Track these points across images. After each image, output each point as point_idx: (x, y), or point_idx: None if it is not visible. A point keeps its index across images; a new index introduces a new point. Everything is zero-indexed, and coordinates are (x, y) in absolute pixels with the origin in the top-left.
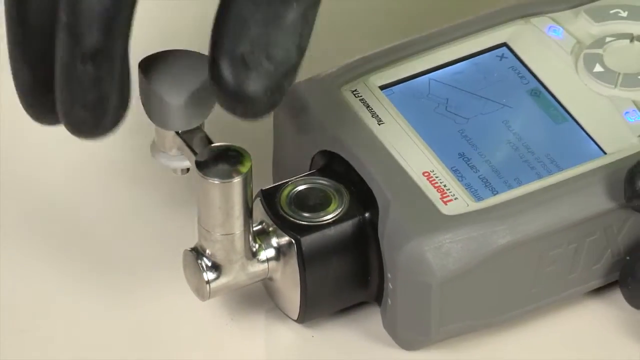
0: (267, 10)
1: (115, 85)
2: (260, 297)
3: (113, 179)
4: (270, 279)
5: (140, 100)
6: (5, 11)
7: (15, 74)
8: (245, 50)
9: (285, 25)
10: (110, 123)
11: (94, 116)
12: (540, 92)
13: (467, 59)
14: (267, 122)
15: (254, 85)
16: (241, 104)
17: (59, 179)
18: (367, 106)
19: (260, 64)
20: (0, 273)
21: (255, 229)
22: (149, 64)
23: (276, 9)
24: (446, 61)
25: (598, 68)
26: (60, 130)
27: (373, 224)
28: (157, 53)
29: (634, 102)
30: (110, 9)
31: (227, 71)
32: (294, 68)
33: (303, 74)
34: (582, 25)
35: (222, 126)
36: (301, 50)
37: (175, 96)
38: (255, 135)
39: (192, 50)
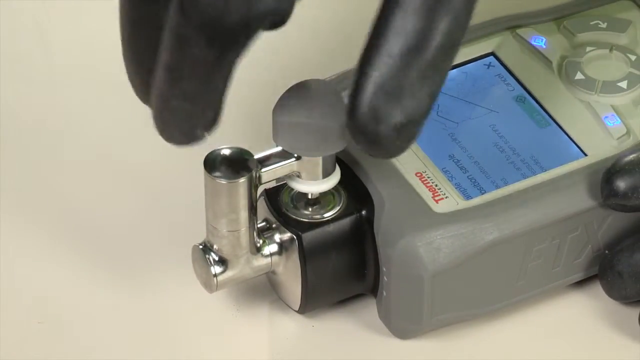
0: (404, 65)
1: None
2: (264, 289)
3: (126, 179)
4: (274, 272)
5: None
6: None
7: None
8: (379, 103)
9: (421, 77)
10: (200, 130)
11: (187, 116)
12: (525, 98)
13: (456, 67)
14: (268, 125)
15: (385, 136)
16: (375, 149)
17: (72, 178)
18: None
19: (393, 116)
20: (14, 267)
21: (259, 225)
22: (280, 106)
23: (413, 63)
24: None
25: (579, 76)
26: (71, 131)
27: (369, 221)
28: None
29: (613, 107)
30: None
31: (361, 124)
32: (424, 115)
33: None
34: (565, 35)
35: (227, 128)
36: (433, 98)
37: (335, 119)
38: (258, 137)
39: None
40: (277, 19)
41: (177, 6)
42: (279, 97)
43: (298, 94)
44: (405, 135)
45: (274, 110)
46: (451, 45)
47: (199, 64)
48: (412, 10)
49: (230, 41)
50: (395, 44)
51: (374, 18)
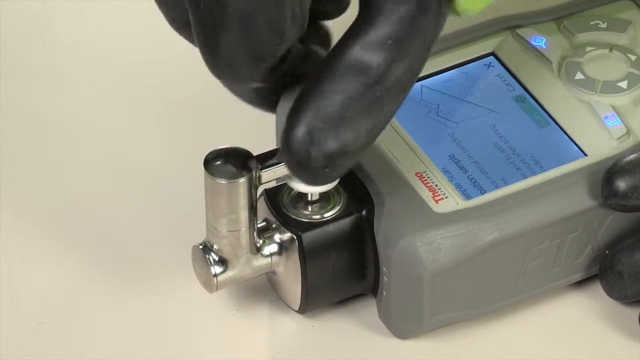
0: (349, 95)
1: None
2: (264, 289)
3: (126, 179)
4: (274, 272)
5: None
6: None
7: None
8: (316, 126)
9: (362, 110)
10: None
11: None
12: (525, 98)
13: (457, 67)
14: (269, 125)
15: (315, 160)
16: (302, 171)
17: (73, 177)
18: None
19: (327, 142)
20: (14, 267)
21: (259, 225)
22: (285, 103)
23: (358, 95)
24: (437, 69)
25: (579, 76)
26: (71, 131)
27: (369, 221)
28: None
29: (613, 107)
30: None
31: (293, 141)
32: (359, 149)
33: None
34: (565, 35)
35: (228, 128)
36: (372, 135)
37: None
38: (258, 137)
39: None
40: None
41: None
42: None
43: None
44: (335, 164)
45: (278, 111)
46: (400, 89)
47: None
48: (370, 48)
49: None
50: (346, 74)
51: (332, 48)
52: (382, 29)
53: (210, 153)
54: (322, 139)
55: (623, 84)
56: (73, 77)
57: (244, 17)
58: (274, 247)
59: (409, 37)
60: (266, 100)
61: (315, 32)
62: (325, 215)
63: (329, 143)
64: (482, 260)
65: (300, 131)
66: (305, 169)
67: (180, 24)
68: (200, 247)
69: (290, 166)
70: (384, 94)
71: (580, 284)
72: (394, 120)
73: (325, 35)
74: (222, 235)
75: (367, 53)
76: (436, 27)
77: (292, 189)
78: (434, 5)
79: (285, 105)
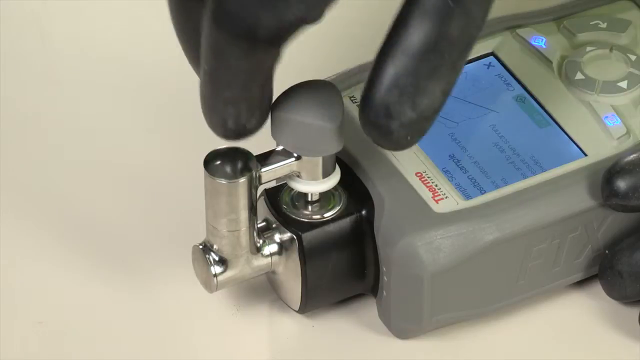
0: (419, 63)
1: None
2: (264, 289)
3: (126, 179)
4: (274, 272)
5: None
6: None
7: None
8: (391, 100)
9: (435, 75)
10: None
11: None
12: (525, 98)
13: None
14: (269, 125)
15: (397, 132)
16: (385, 142)
17: (73, 178)
18: None
19: (405, 113)
20: (14, 267)
21: (259, 225)
22: (278, 102)
23: (428, 61)
24: None
25: (579, 75)
26: (71, 131)
27: (369, 221)
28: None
29: (613, 107)
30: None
31: (372, 119)
32: (436, 112)
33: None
34: (565, 35)
35: None
36: (446, 95)
37: (332, 120)
38: (258, 137)
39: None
40: (309, 24)
41: (210, 18)
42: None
43: (298, 93)
44: (415, 130)
45: (272, 108)
46: (465, 45)
47: (235, 73)
48: (429, 11)
49: (264, 51)
50: (411, 42)
51: (393, 17)
52: None
53: (210, 153)
54: (401, 112)
55: (623, 84)
56: (73, 77)
57: None
58: (274, 247)
59: None
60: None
61: None
62: (325, 215)
63: (407, 114)
64: (482, 261)
65: (377, 107)
66: (388, 141)
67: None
68: (200, 247)
69: (374, 140)
70: (451, 53)
71: (580, 284)
72: None
73: None
74: (222, 235)
75: (430, 18)
76: None
77: (292, 189)
78: None
79: (284, 102)
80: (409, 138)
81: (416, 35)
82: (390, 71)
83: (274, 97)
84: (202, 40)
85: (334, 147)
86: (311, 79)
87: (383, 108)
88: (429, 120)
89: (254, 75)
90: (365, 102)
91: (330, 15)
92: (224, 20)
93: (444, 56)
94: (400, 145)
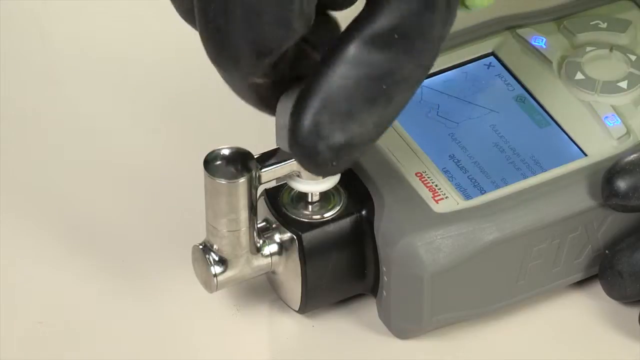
0: (355, 88)
1: None
2: (264, 289)
3: (126, 179)
4: (274, 272)
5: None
6: None
7: None
8: (322, 120)
9: (370, 105)
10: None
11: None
12: (525, 98)
13: (457, 67)
14: (269, 125)
15: (323, 154)
16: (310, 164)
17: (72, 178)
18: None
19: (333, 135)
20: (14, 267)
21: (259, 225)
22: (284, 104)
23: (364, 89)
24: (437, 69)
25: (579, 76)
26: (71, 131)
27: (369, 221)
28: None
29: (613, 107)
30: None
31: (300, 135)
32: (366, 142)
33: None
34: (565, 35)
35: (228, 128)
36: (379, 129)
37: None
38: (258, 137)
39: None
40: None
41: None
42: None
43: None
44: (342, 157)
45: (277, 113)
46: (409, 84)
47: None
48: (376, 41)
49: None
50: (352, 68)
51: (337, 40)
52: (387, 23)
53: (210, 153)
54: (329, 133)
55: (623, 84)
56: (73, 77)
57: (252, 9)
58: (274, 247)
59: (415, 31)
60: (264, 99)
61: (324, 23)
62: (325, 215)
63: (336, 136)
64: (482, 261)
65: (307, 125)
66: (312, 162)
67: (188, 12)
68: (200, 247)
69: (297, 159)
70: (392, 88)
71: (580, 284)
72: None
73: (334, 27)
74: (222, 235)
75: (373, 47)
76: (445, 22)
77: (292, 189)
78: (440, 0)
79: (285, 104)
80: (334, 163)
81: (357, 62)
82: (325, 91)
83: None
84: None
85: None
86: None
87: (313, 127)
88: (357, 150)
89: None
90: (296, 120)
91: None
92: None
93: (381, 88)
94: (324, 169)
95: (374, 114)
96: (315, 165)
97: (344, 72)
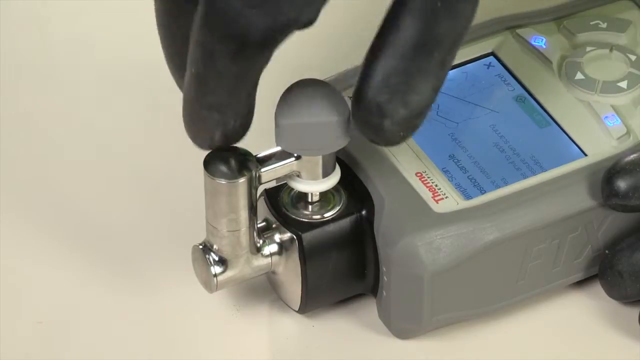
0: (409, 62)
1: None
2: (264, 289)
3: (126, 179)
4: (274, 272)
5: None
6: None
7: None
8: (383, 99)
9: (424, 73)
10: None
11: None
12: (525, 98)
13: (456, 67)
14: (269, 126)
15: (389, 130)
16: (378, 140)
17: (72, 177)
18: None
19: (397, 111)
20: (14, 267)
21: (259, 225)
22: (281, 110)
23: (417, 60)
24: None
25: (579, 76)
26: (71, 131)
27: (369, 221)
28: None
29: (613, 107)
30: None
31: (365, 118)
32: (428, 107)
33: None
34: (565, 35)
35: None
36: (436, 91)
37: (340, 113)
38: (258, 137)
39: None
40: (302, 27)
41: (201, 20)
42: (278, 97)
43: (298, 94)
44: (408, 127)
45: (276, 114)
46: (453, 43)
47: (224, 76)
48: (417, 10)
49: (254, 54)
50: (400, 41)
51: (382, 18)
52: None
53: (210, 153)
54: (392, 110)
55: (623, 84)
56: (73, 77)
57: None
58: (274, 247)
59: None
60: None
61: None
62: (325, 215)
63: (399, 112)
64: (482, 261)
65: (370, 107)
66: (382, 139)
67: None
68: (200, 247)
69: (367, 137)
70: (441, 52)
71: (580, 284)
72: None
73: None
74: (222, 235)
75: (420, 18)
76: None
77: (292, 189)
78: None
79: (286, 103)
80: (401, 134)
81: (405, 34)
82: (381, 70)
83: (275, 100)
84: (190, 44)
85: (342, 142)
86: (306, 78)
87: (375, 107)
88: (421, 116)
89: (242, 80)
90: (358, 101)
91: (330, 16)
92: (215, 21)
93: (432, 54)
94: (394, 142)
95: (429, 81)
96: (385, 140)
97: (395, 47)
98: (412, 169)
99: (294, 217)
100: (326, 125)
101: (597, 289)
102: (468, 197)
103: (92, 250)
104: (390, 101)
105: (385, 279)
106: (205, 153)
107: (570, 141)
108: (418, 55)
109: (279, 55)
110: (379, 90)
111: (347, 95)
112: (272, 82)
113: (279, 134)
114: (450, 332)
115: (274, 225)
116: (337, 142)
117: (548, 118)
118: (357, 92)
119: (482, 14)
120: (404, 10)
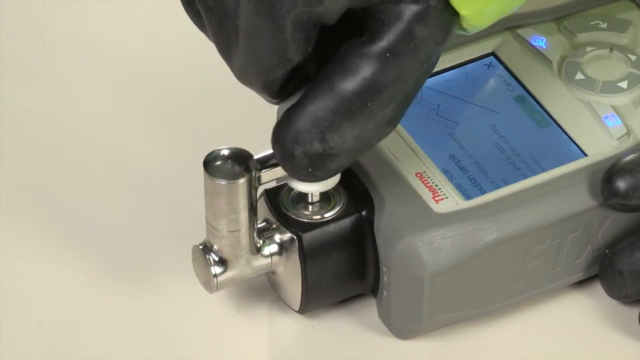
0: (340, 102)
1: None
2: (264, 289)
3: (126, 179)
4: (274, 272)
5: (151, 99)
6: None
7: None
8: (302, 128)
9: (352, 119)
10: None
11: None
12: (526, 98)
13: (457, 68)
14: (269, 126)
15: (298, 159)
16: (285, 167)
17: (72, 177)
18: None
19: (311, 143)
20: (14, 267)
21: (259, 226)
22: (281, 106)
23: (349, 103)
24: (438, 69)
25: (579, 76)
26: (71, 131)
27: (369, 221)
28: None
29: (613, 108)
30: None
31: (280, 138)
32: (345, 154)
33: None
34: (565, 35)
35: (228, 129)
36: (359, 141)
37: None
38: (258, 137)
39: None
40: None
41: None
42: None
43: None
44: (318, 164)
45: (277, 114)
46: (397, 100)
47: None
48: (367, 58)
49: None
50: (340, 81)
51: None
52: (380, 42)
53: (210, 154)
54: (307, 141)
55: (623, 84)
56: (73, 77)
57: (249, 34)
58: (274, 247)
59: (407, 51)
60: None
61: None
62: (326, 215)
63: (313, 145)
64: (482, 261)
65: (288, 130)
66: (289, 165)
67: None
68: (200, 247)
69: (277, 159)
70: (376, 103)
71: (580, 284)
72: None
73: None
74: (222, 235)
75: (363, 63)
76: (438, 42)
77: (292, 189)
78: (434, 20)
79: (286, 104)
80: (309, 170)
81: (347, 76)
82: (312, 101)
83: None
84: None
85: None
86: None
87: (293, 132)
88: (335, 159)
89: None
90: (280, 123)
91: None
92: None
93: (365, 104)
94: (299, 174)
95: (355, 127)
96: (291, 169)
97: (333, 84)
98: (412, 169)
99: (294, 217)
100: None
101: (597, 289)
102: (468, 197)
103: (92, 251)
104: (308, 132)
105: (386, 279)
106: (205, 153)
107: (570, 141)
108: (351, 99)
109: None
110: (303, 118)
111: None
112: None
113: None
114: (450, 332)
115: (274, 226)
116: None
117: (548, 118)
118: (284, 114)
119: None
120: (355, 51)
